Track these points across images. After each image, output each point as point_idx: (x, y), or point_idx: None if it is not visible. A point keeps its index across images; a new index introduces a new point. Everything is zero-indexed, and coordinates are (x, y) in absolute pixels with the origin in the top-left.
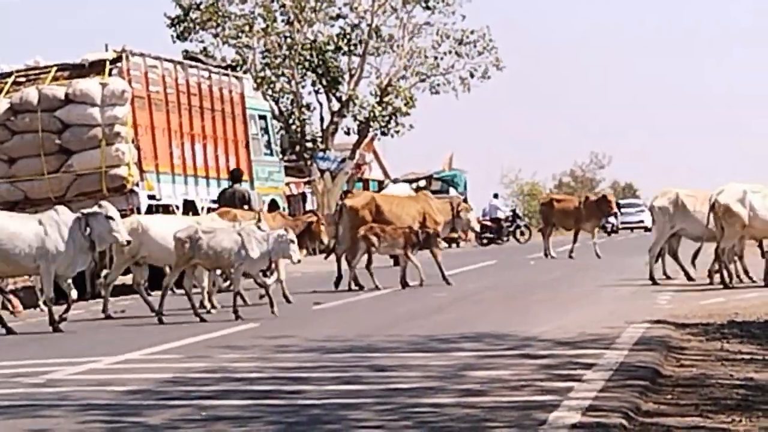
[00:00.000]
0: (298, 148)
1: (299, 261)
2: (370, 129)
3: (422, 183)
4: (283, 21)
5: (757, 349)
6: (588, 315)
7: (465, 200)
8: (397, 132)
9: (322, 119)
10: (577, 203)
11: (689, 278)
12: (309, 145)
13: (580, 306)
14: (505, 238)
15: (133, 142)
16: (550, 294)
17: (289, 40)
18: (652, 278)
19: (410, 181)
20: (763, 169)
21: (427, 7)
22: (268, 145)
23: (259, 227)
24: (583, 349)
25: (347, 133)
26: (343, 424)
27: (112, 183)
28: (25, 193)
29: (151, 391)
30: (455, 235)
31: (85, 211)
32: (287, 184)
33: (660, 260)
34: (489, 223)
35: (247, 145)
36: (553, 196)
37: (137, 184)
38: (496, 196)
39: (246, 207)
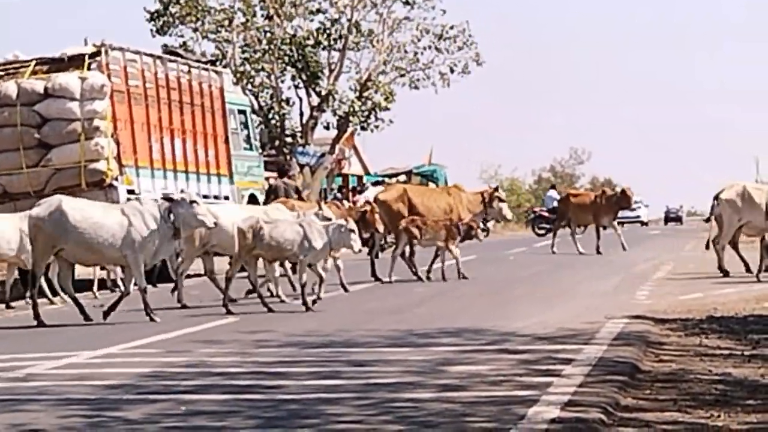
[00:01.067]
0: (277, 142)
1: (360, 250)
2: (350, 124)
3: (402, 178)
4: (262, 15)
5: (735, 345)
6: (567, 310)
7: (497, 189)
8: (377, 127)
9: (301, 114)
10: (593, 198)
11: (748, 270)
12: (288, 139)
13: (559, 301)
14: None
15: (112, 136)
16: (529, 289)
17: (268, 35)
18: (722, 270)
19: (390, 176)
20: (748, 166)
21: (407, 3)
22: (248, 139)
23: (319, 217)
24: (563, 344)
25: (327, 128)
26: (322, 419)
27: (91, 177)
28: (3, 187)
29: (131, 385)
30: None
31: (168, 197)
32: (266, 178)
33: (722, 252)
34: (546, 214)
35: (226, 140)
36: (570, 191)
37: (116, 179)
38: (553, 187)
39: (300, 199)
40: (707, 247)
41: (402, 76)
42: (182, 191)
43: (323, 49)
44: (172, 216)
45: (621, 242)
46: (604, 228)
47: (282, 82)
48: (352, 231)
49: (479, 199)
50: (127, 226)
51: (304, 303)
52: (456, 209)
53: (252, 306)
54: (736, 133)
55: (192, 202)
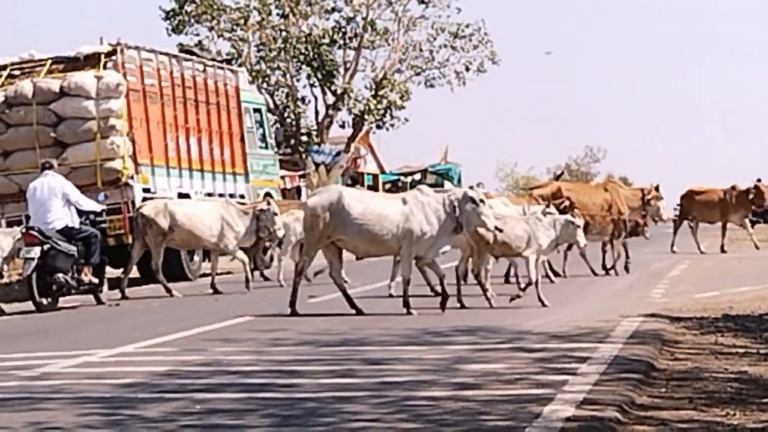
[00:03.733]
0: (293, 141)
1: (585, 245)
2: (365, 122)
3: (417, 176)
4: (278, 14)
5: (751, 343)
6: (582, 308)
7: (657, 188)
8: (392, 125)
9: (317, 112)
10: (721, 194)
11: None
12: (304, 138)
13: (574, 299)
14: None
15: (127, 135)
16: (544, 287)
17: (284, 34)
18: None
19: (405, 175)
20: (763, 163)
21: (422, 1)
22: (263, 138)
23: (545, 213)
24: (578, 342)
25: (342, 127)
26: (338, 417)
27: (107, 176)
28: (20, 186)
29: (147, 384)
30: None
31: (458, 193)
32: (282, 177)
33: None
34: None
35: (242, 138)
36: (693, 188)
37: (132, 177)
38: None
39: None
40: None
41: (417, 74)
42: (471, 187)
43: (338, 47)
44: (457, 211)
45: (753, 241)
46: (742, 225)
47: (297, 80)
48: (579, 227)
49: (638, 196)
50: (409, 217)
51: (540, 299)
52: (616, 204)
53: (264, 304)
54: (750, 132)
55: (479, 200)
